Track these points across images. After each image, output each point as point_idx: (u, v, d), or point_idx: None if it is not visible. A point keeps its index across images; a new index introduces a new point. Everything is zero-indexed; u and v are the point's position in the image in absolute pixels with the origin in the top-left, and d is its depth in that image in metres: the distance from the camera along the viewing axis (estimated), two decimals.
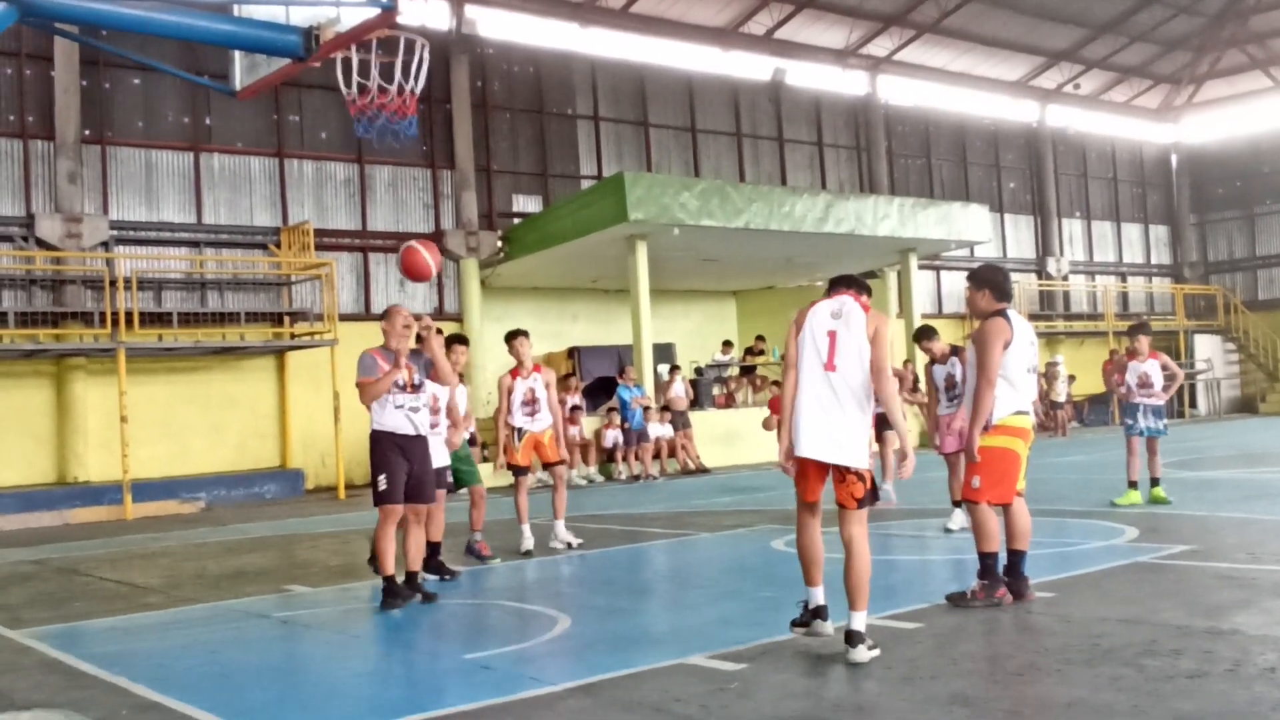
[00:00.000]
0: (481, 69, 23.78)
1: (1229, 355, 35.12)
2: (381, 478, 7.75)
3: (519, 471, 10.30)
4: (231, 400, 20.08)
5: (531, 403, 10.23)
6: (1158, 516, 10.44)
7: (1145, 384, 11.77)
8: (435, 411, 8.64)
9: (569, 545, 10.33)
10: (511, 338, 10.38)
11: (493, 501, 15.81)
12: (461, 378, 9.54)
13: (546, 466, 10.46)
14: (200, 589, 9.29)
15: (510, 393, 10.23)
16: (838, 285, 6.06)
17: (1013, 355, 6.75)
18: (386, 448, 7.79)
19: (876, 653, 5.53)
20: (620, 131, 25.91)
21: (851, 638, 5.51)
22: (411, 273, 8.07)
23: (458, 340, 9.71)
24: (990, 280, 7.02)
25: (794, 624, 6.01)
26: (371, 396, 7.71)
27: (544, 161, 24.68)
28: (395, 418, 7.82)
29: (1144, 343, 11.91)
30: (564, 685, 5.37)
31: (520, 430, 10.23)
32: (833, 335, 5.76)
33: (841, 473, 5.72)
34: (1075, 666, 5.23)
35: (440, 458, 8.72)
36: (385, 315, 8.02)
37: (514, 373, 10.29)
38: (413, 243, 8.18)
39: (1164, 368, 11.86)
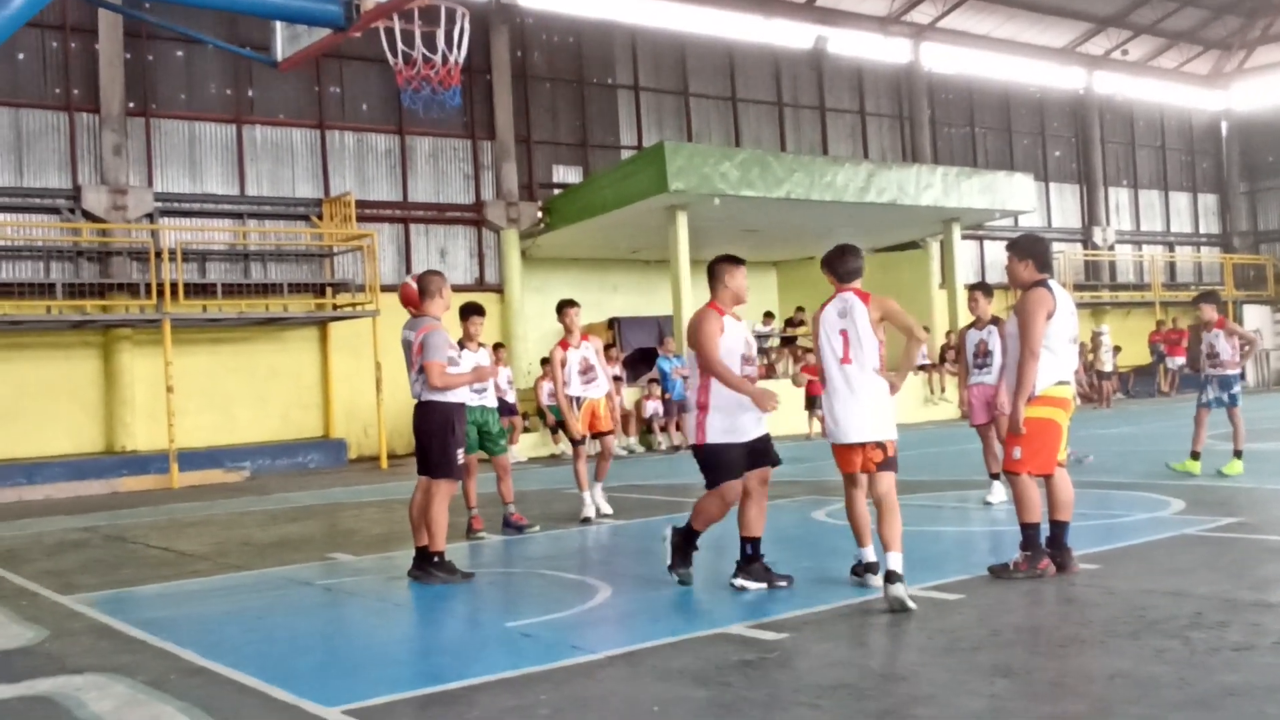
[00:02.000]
0: (521, 39, 23.72)
1: (1278, 326, 34.57)
2: (460, 451, 7.75)
3: (578, 441, 10.31)
4: (275, 371, 20.28)
5: (588, 370, 10.26)
6: (1204, 488, 10.32)
7: (1211, 354, 11.64)
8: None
9: (597, 511, 10.39)
10: (564, 308, 10.33)
11: (529, 471, 15.89)
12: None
13: (596, 435, 10.44)
14: (246, 556, 9.41)
15: (564, 364, 10.20)
16: (832, 269, 6.74)
17: (1055, 325, 6.67)
18: (458, 419, 7.77)
19: (913, 605, 5.90)
20: (661, 101, 25.79)
21: (890, 576, 6.01)
22: (405, 301, 8.07)
23: (473, 311, 9.81)
24: (1032, 250, 6.93)
25: (851, 571, 6.79)
26: (458, 385, 7.73)
27: (584, 132, 24.63)
28: (464, 391, 7.87)
29: (1207, 311, 11.76)
30: (605, 653, 5.39)
31: (578, 399, 10.24)
32: (844, 334, 6.54)
33: (863, 445, 6.54)
34: (1119, 638, 5.18)
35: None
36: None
37: (564, 344, 10.26)
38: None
39: (1230, 335, 11.68)
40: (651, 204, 19.78)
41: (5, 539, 11.45)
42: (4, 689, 5.30)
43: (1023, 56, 31.98)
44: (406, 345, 7.79)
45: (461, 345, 9.80)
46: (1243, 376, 12.06)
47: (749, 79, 27.06)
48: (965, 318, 11.00)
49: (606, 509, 10.52)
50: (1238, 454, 11.42)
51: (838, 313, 6.57)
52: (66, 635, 6.53)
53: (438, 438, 7.69)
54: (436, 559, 7.64)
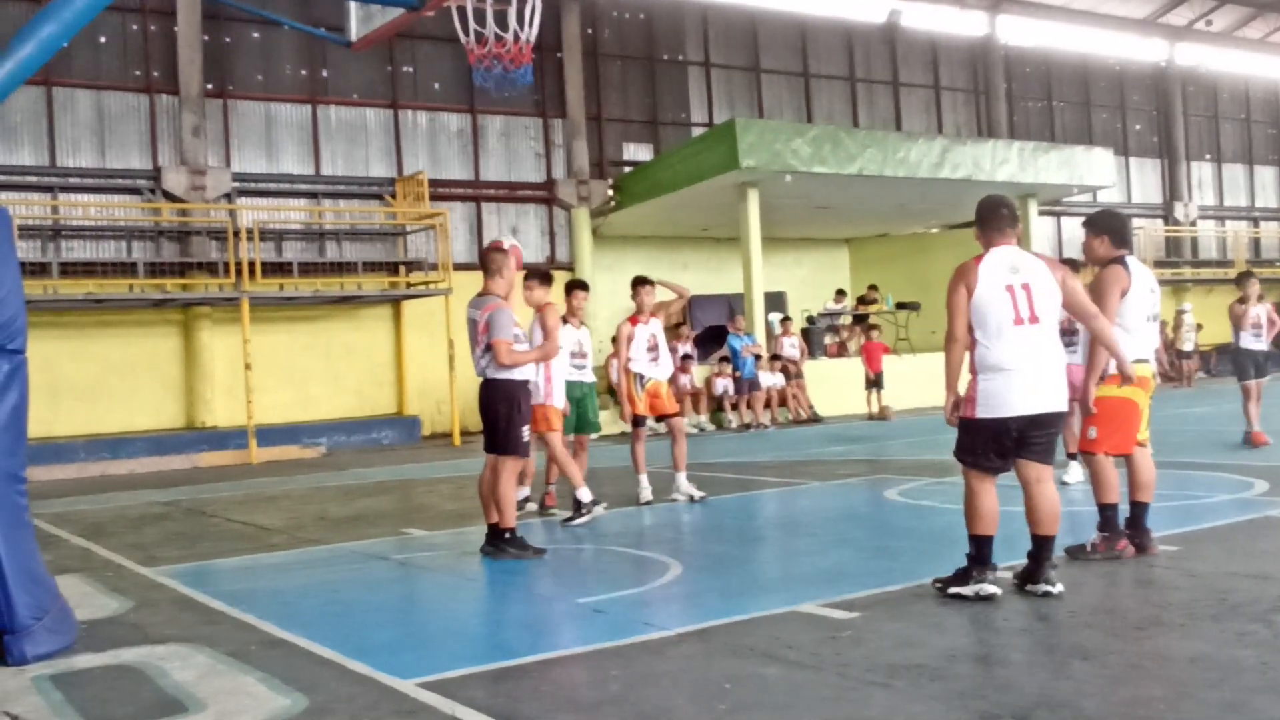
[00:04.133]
0: (592, 16, 23.69)
1: None
2: (525, 429, 7.77)
3: (639, 421, 10.11)
4: (349, 348, 20.54)
5: (655, 349, 10.14)
6: None
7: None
8: None
9: (691, 498, 10.09)
10: (638, 285, 10.20)
11: (600, 449, 15.95)
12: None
13: (662, 418, 10.22)
14: (322, 531, 9.56)
15: (631, 340, 10.07)
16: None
17: (1130, 303, 6.53)
18: (523, 396, 7.80)
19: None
20: (731, 77, 25.63)
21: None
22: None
23: (577, 286, 9.91)
24: (1108, 226, 6.79)
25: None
26: (524, 363, 7.78)
27: (654, 109, 24.56)
28: (531, 369, 7.91)
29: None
30: (676, 630, 5.40)
31: (643, 377, 10.09)
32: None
33: None
34: (1200, 621, 5.08)
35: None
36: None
37: (633, 319, 10.18)
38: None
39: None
40: (722, 181, 19.68)
41: (91, 513, 11.75)
42: (90, 658, 5.45)
43: (1102, 28, 31.24)
44: (472, 323, 7.82)
45: (564, 320, 9.83)
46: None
47: (821, 54, 26.78)
48: None
49: (695, 492, 10.15)
50: None
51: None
52: (149, 606, 6.69)
53: (504, 415, 7.72)
54: (508, 535, 7.69)
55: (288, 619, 6.07)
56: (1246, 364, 12.57)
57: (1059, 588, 5.68)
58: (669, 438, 10.37)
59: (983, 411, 5.70)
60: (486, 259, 7.96)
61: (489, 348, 7.62)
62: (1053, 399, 5.70)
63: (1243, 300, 12.58)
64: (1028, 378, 5.64)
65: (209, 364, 19.09)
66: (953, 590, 5.80)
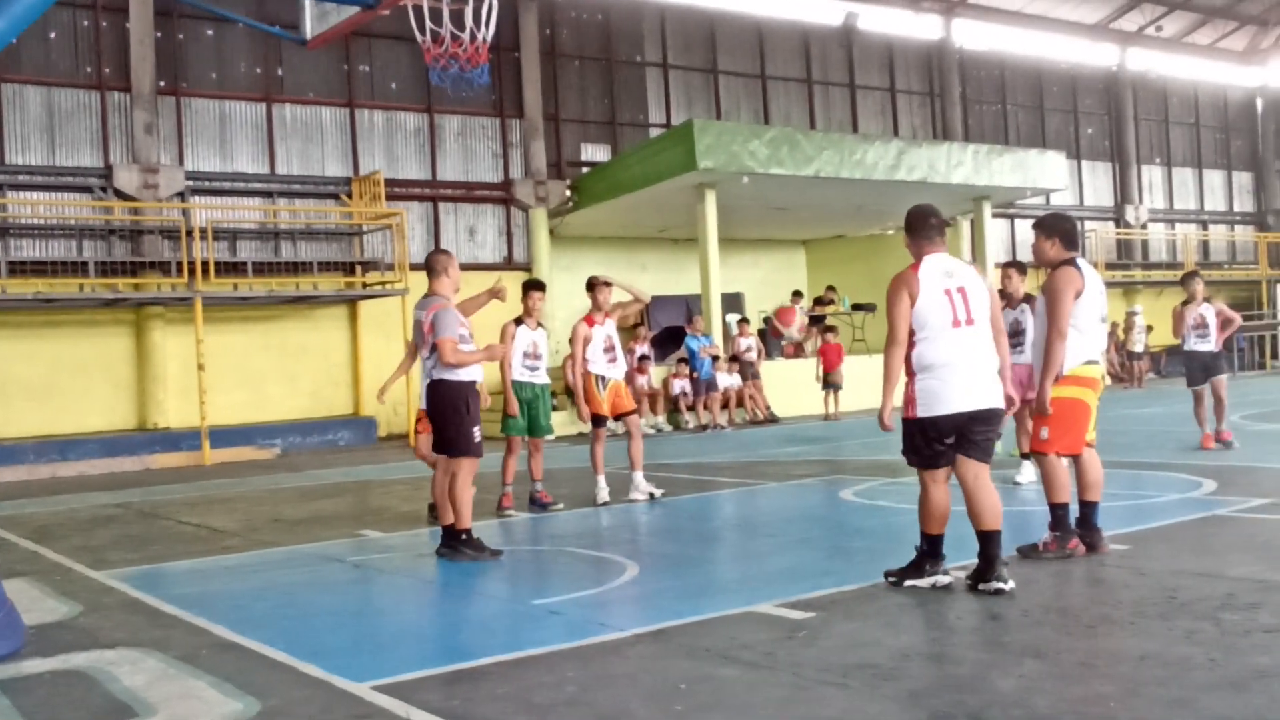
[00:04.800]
0: (550, 17, 23.65)
1: None
2: (476, 429, 7.71)
3: (599, 421, 10.14)
4: (305, 349, 20.39)
5: (611, 349, 10.12)
6: (1237, 469, 10.23)
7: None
8: None
9: (651, 496, 10.16)
10: (596, 284, 10.18)
11: (558, 449, 15.93)
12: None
13: (619, 416, 10.24)
14: (276, 533, 9.48)
15: (588, 341, 10.04)
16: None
17: (1084, 304, 6.62)
18: (471, 396, 7.75)
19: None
20: (689, 79, 25.68)
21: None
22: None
23: (534, 286, 9.89)
24: (1059, 228, 6.88)
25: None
26: (470, 363, 7.73)
27: (612, 110, 24.56)
28: (479, 370, 7.87)
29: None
30: (632, 631, 5.41)
31: (602, 378, 10.07)
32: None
33: None
34: (1150, 619, 5.15)
35: None
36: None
37: (589, 319, 10.15)
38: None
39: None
40: (680, 182, 19.72)
41: (40, 515, 11.59)
42: (39, 663, 5.37)
43: (1055, 33, 31.60)
44: (417, 324, 7.80)
45: (519, 321, 9.83)
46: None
47: (778, 56, 26.89)
48: None
49: (654, 490, 10.24)
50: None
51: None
52: (100, 610, 6.60)
53: (452, 416, 7.67)
54: (464, 536, 7.65)
55: (241, 622, 6.01)
56: (1194, 368, 12.21)
57: (1010, 585, 5.77)
58: (625, 438, 10.38)
59: (923, 410, 5.91)
60: (431, 260, 7.95)
61: (434, 347, 7.59)
62: (989, 396, 5.94)
63: (1187, 301, 12.29)
64: (964, 377, 5.88)
65: (161, 364, 18.88)
66: (909, 582, 5.96)
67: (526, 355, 9.82)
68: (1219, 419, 12.05)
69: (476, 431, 7.72)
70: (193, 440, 17.54)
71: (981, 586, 5.84)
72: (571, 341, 10.12)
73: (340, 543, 8.78)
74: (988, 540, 5.87)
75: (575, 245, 23.64)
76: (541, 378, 9.95)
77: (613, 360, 10.13)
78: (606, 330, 10.14)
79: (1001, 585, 5.77)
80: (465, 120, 22.55)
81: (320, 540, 8.91)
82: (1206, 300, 12.32)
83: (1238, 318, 12.57)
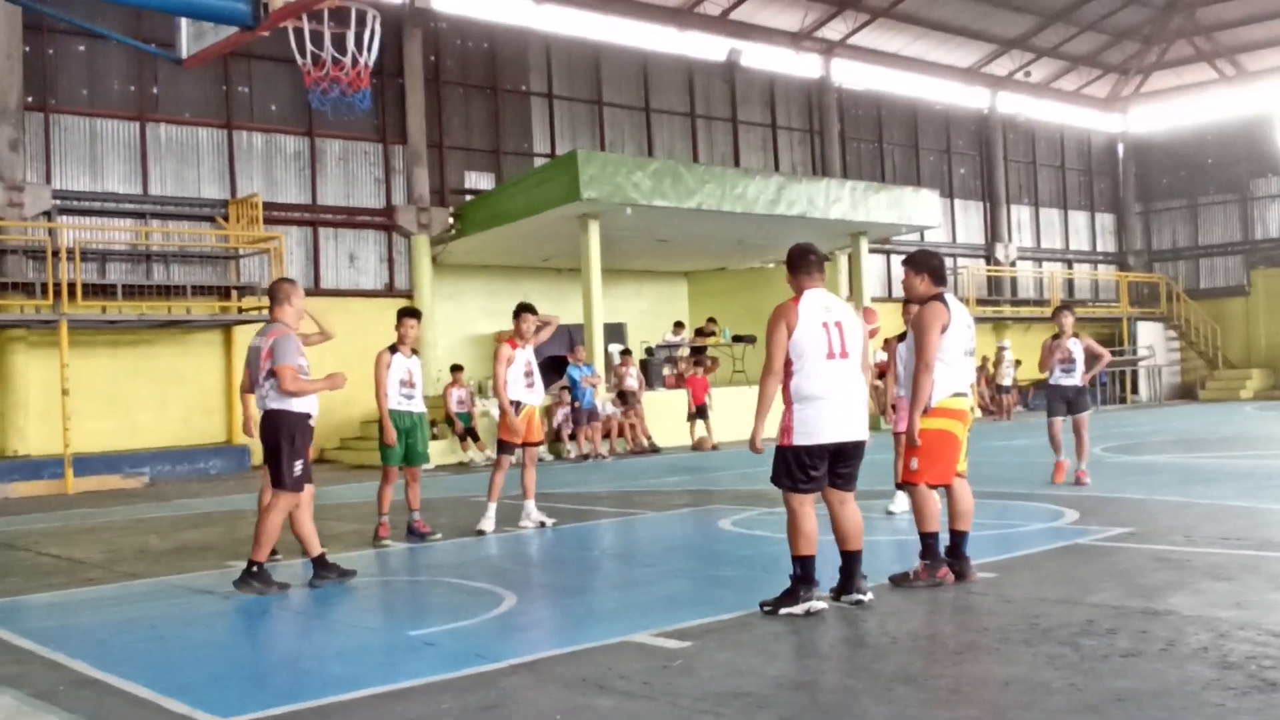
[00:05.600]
0: (435, 43, 23.56)
1: (1170, 343, 35.66)
2: (299, 464, 7.54)
3: (506, 448, 10.10)
4: (177, 374, 19.83)
5: (531, 374, 10.10)
6: (1098, 500, 10.59)
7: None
8: None
9: (542, 524, 10.17)
10: (522, 312, 10.22)
11: (436, 479, 15.76)
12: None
13: (524, 445, 10.20)
14: (142, 564, 9.19)
15: (511, 362, 9.99)
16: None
17: (950, 339, 6.83)
18: (299, 430, 7.60)
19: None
20: (574, 110, 25.79)
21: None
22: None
23: (409, 314, 9.83)
24: (928, 264, 7.09)
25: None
26: (309, 392, 7.59)
27: (497, 138, 24.53)
28: (313, 402, 7.71)
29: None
30: (508, 662, 5.37)
31: (518, 404, 10.01)
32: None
33: None
34: (1014, 645, 5.30)
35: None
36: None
37: (512, 342, 10.10)
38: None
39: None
40: (564, 212, 19.76)
41: None
42: None
43: (930, 75, 32.61)
44: (254, 350, 7.64)
45: (394, 349, 9.72)
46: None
47: (663, 90, 27.20)
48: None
49: (545, 519, 10.27)
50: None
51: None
52: None
53: (277, 449, 7.54)
54: (256, 568, 7.48)
55: (101, 657, 5.81)
56: (1056, 401, 12.39)
57: (869, 596, 6.22)
58: (519, 467, 10.33)
59: (800, 439, 6.20)
60: (274, 289, 7.84)
61: (271, 374, 7.44)
62: (860, 429, 6.29)
63: (1057, 335, 12.39)
64: (839, 408, 6.20)
65: (23, 389, 18.17)
66: (784, 611, 6.09)
67: (403, 384, 9.73)
68: (1080, 458, 12.12)
69: (298, 466, 7.55)
70: (55, 468, 16.90)
71: (844, 599, 6.28)
72: (495, 360, 10.05)
73: (208, 574, 8.54)
74: (851, 559, 6.33)
75: (458, 273, 23.51)
76: (419, 406, 9.86)
77: (530, 385, 10.13)
78: (527, 355, 10.14)
79: (861, 597, 6.25)
80: (347, 144, 22.28)
81: (188, 572, 8.67)
82: (1075, 336, 12.40)
83: (1106, 353, 12.68)
